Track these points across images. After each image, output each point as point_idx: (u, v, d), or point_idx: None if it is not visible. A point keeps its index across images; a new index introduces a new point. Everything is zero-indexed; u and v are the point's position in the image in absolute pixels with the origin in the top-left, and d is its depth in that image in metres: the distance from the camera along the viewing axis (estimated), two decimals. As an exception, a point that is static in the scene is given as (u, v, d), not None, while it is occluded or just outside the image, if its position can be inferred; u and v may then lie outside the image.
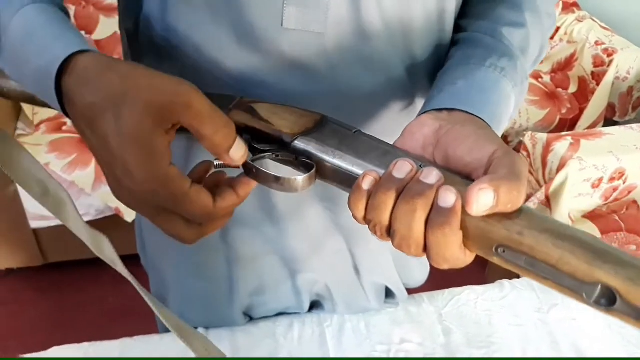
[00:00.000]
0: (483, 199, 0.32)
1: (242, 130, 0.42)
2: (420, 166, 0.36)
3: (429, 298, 0.78)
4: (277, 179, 0.40)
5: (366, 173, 0.36)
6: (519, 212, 0.33)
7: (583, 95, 1.98)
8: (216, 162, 0.41)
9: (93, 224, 1.58)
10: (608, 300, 0.30)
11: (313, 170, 0.40)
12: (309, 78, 0.48)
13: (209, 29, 0.47)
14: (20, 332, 1.58)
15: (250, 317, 0.75)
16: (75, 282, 1.65)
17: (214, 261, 0.66)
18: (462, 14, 0.52)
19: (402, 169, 0.35)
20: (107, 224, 1.57)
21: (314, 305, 0.76)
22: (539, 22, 0.51)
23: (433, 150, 0.39)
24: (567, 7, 2.09)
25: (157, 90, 0.36)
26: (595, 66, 1.95)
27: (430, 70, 0.52)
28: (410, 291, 0.78)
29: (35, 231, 1.60)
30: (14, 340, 1.55)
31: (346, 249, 0.67)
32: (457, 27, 0.52)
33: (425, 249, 0.34)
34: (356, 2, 0.45)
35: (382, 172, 0.37)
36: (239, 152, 0.39)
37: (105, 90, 0.36)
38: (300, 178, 0.39)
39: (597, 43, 1.95)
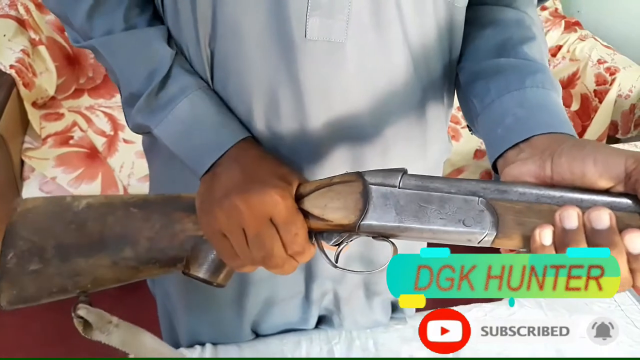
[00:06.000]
0: None
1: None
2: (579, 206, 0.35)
3: (436, 315, 0.78)
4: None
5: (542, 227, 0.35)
6: None
7: (586, 113, 1.99)
8: None
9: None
10: None
11: (394, 248, 0.42)
12: (328, 88, 0.49)
13: (234, 44, 0.49)
14: (26, 344, 1.58)
15: (256, 334, 0.75)
16: (79, 296, 1.65)
17: None
18: (468, 40, 0.53)
19: (571, 219, 0.34)
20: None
21: (321, 321, 0.76)
22: (541, 33, 0.53)
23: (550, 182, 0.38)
24: (569, 26, 2.11)
25: (271, 185, 0.44)
26: (597, 84, 1.96)
27: (440, 74, 0.53)
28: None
29: (41, 244, 1.60)
30: (19, 352, 1.55)
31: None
32: (469, 57, 0.52)
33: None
34: (376, 9, 0.46)
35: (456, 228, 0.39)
36: (306, 256, 0.44)
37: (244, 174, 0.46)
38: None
39: (599, 62, 1.96)
